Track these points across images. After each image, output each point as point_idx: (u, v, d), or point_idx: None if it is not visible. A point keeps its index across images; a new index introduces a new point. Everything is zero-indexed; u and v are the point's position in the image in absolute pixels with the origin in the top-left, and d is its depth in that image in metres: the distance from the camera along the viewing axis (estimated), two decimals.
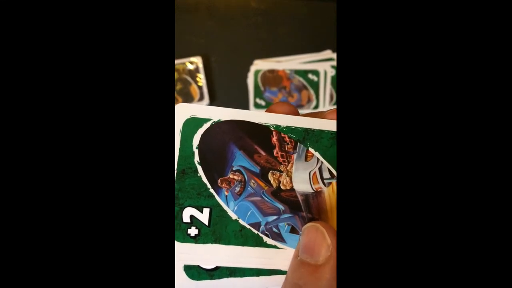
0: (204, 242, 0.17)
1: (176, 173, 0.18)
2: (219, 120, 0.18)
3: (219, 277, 0.17)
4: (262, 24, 0.50)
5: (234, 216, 0.17)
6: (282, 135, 0.18)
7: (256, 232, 0.17)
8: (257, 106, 0.46)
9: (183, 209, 0.17)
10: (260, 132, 0.18)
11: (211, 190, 0.17)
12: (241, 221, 0.17)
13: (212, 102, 0.47)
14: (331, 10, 0.49)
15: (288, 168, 0.18)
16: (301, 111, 0.45)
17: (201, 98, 0.47)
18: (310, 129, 0.18)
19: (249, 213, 0.17)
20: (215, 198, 0.17)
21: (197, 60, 0.48)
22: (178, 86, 0.47)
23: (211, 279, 0.17)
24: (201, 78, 0.47)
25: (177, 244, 0.17)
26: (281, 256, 0.17)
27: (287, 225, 0.17)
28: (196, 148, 0.18)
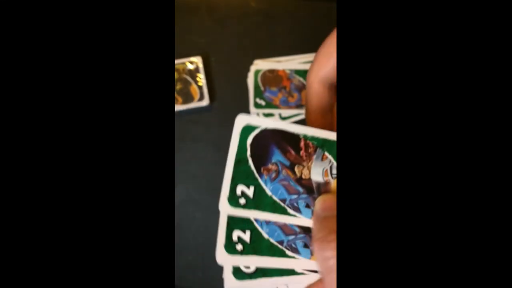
0: (249, 208, 0.24)
1: (235, 161, 0.25)
2: (266, 127, 0.25)
3: (256, 278, 0.24)
4: (262, 24, 0.50)
5: (269, 193, 0.24)
6: (307, 141, 0.25)
7: (282, 204, 0.24)
8: (257, 106, 0.46)
9: (237, 186, 0.24)
10: (292, 138, 0.25)
11: (256, 175, 0.25)
12: (273, 197, 0.24)
13: (212, 102, 0.47)
14: (331, 10, 0.49)
15: (309, 164, 0.25)
16: (301, 111, 0.45)
17: (201, 98, 0.47)
18: (327, 139, 0.25)
19: (279, 192, 0.25)
20: (258, 180, 0.25)
21: (197, 60, 0.48)
22: (178, 86, 0.47)
23: (250, 279, 0.24)
24: (201, 78, 0.47)
25: (232, 209, 0.24)
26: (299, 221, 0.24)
27: (303, 202, 0.25)
28: (249, 145, 0.25)
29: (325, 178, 0.25)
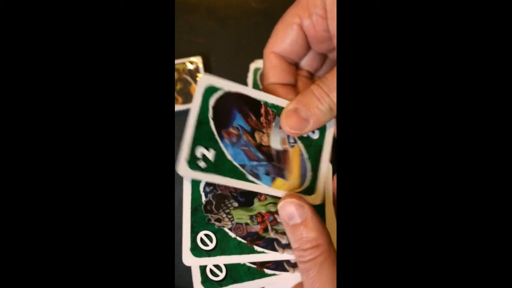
0: (209, 172, 0.24)
1: (196, 122, 0.24)
2: (229, 90, 0.25)
3: (226, 285, 0.24)
4: (262, 24, 0.50)
5: (230, 158, 0.25)
6: (268, 108, 0.26)
7: (242, 170, 0.25)
8: None
9: (197, 148, 0.24)
10: (253, 104, 0.26)
11: (217, 137, 0.25)
12: (234, 162, 0.25)
13: None
14: None
15: (268, 131, 0.26)
16: None
17: None
18: None
19: (239, 157, 0.25)
20: (218, 143, 0.25)
21: (197, 60, 0.48)
22: (178, 86, 0.47)
23: (220, 287, 0.24)
24: None
25: (190, 172, 0.24)
26: (258, 191, 0.25)
27: (263, 169, 0.25)
28: (211, 108, 0.25)
29: (283, 147, 0.25)
